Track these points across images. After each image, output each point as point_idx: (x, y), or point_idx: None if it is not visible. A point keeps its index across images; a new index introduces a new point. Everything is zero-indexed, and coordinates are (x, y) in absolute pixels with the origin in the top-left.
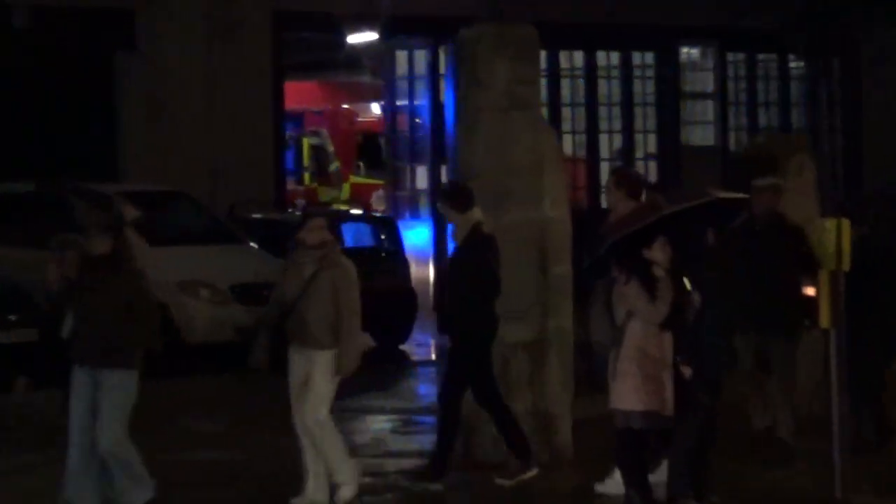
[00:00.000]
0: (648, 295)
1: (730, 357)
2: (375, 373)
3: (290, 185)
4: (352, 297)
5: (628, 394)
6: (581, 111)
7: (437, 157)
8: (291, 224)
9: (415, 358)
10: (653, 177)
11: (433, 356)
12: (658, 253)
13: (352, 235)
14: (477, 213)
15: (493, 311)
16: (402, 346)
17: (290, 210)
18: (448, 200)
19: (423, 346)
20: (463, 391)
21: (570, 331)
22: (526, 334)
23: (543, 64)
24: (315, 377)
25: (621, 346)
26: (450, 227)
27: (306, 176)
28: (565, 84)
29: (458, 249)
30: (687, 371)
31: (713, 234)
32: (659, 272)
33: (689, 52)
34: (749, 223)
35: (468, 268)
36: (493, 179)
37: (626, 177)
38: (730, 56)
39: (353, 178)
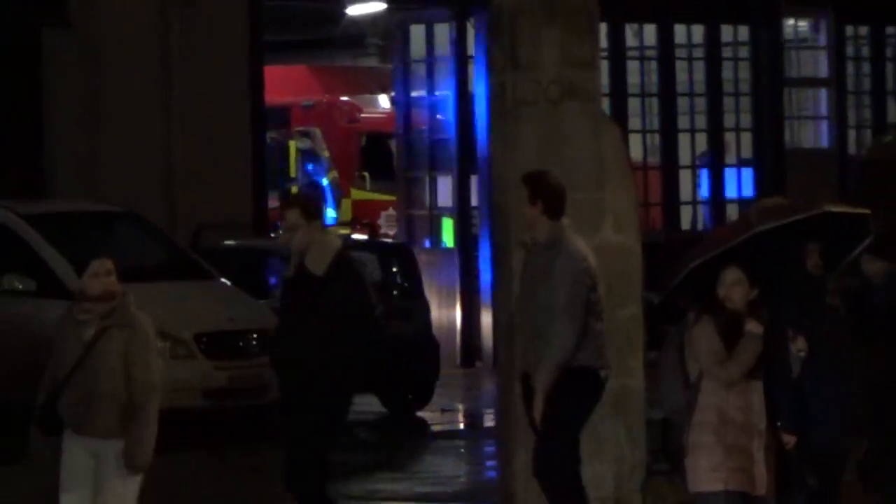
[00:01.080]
0: (722, 345)
1: (851, 424)
2: (387, 447)
3: (273, 201)
4: (147, 364)
5: (704, 472)
6: (654, 103)
7: (465, 166)
8: (274, 253)
9: (438, 427)
10: (748, 188)
11: (461, 424)
12: (734, 288)
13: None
14: (336, 238)
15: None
16: (420, 413)
17: (272, 235)
18: (308, 211)
19: (449, 411)
20: (323, 468)
21: (639, 392)
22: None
23: (605, 41)
24: (107, 481)
25: (694, 409)
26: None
27: (293, 190)
28: (633, 68)
29: (319, 283)
30: (790, 441)
31: (819, 256)
32: (753, 325)
33: (795, 26)
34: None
35: (339, 309)
36: None
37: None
38: (849, 30)
39: (356, 193)
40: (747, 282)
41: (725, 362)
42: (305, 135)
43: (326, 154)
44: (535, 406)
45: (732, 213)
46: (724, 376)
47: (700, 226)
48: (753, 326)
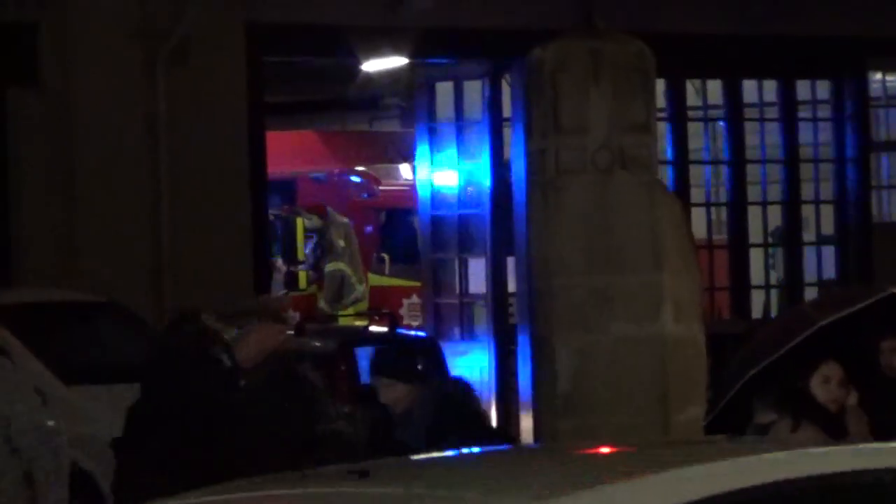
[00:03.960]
0: None
1: None
2: None
3: (278, 289)
4: None
5: None
6: (720, 172)
7: (501, 246)
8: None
9: None
10: (829, 270)
11: None
12: (826, 387)
13: (371, 364)
14: None
15: None
16: None
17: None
18: None
19: None
20: None
21: None
22: None
23: (662, 101)
24: None
25: None
26: None
27: (301, 275)
28: (696, 131)
29: None
30: None
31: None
32: (857, 414)
33: (883, 80)
34: None
35: None
36: (587, 277)
37: None
38: None
39: (374, 279)
40: (841, 374)
41: None
42: (315, 211)
43: (340, 233)
44: None
45: (812, 298)
46: None
47: (774, 313)
48: (853, 408)
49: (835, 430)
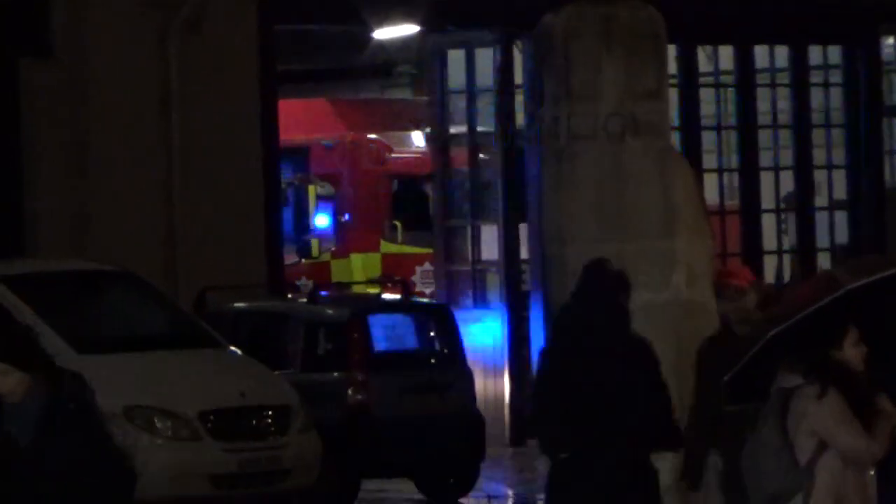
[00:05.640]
0: (857, 419)
1: None
2: None
3: (290, 257)
4: None
5: None
6: (732, 137)
7: (513, 213)
8: (292, 318)
9: None
10: (842, 235)
11: None
12: (858, 348)
13: (384, 333)
14: None
15: None
16: (464, 499)
17: (290, 296)
18: None
19: (497, 498)
20: None
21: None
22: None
23: (673, 67)
24: None
25: (809, 495)
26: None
27: (314, 243)
28: (707, 97)
29: None
30: None
31: None
32: (886, 402)
33: (895, 45)
34: None
35: None
36: (599, 245)
37: None
38: None
39: (386, 246)
40: (861, 341)
41: (869, 440)
42: (328, 178)
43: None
44: None
45: (824, 264)
46: (865, 453)
47: (787, 279)
48: (886, 404)
49: (860, 396)
